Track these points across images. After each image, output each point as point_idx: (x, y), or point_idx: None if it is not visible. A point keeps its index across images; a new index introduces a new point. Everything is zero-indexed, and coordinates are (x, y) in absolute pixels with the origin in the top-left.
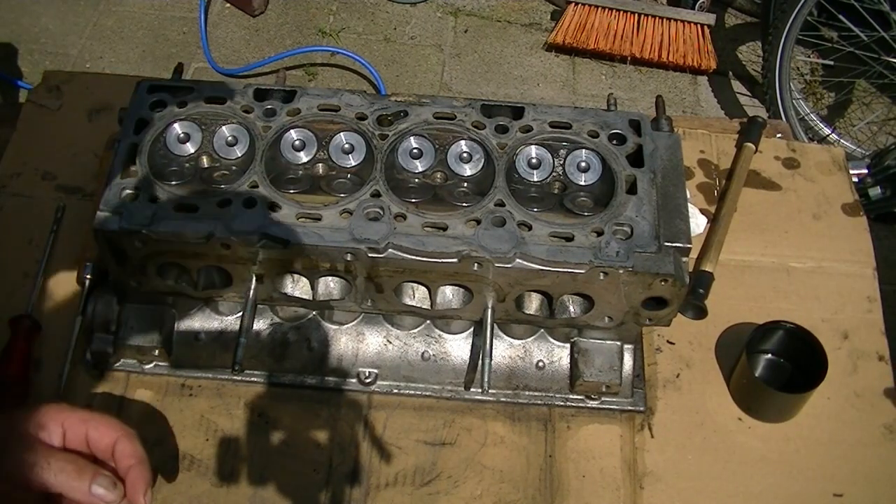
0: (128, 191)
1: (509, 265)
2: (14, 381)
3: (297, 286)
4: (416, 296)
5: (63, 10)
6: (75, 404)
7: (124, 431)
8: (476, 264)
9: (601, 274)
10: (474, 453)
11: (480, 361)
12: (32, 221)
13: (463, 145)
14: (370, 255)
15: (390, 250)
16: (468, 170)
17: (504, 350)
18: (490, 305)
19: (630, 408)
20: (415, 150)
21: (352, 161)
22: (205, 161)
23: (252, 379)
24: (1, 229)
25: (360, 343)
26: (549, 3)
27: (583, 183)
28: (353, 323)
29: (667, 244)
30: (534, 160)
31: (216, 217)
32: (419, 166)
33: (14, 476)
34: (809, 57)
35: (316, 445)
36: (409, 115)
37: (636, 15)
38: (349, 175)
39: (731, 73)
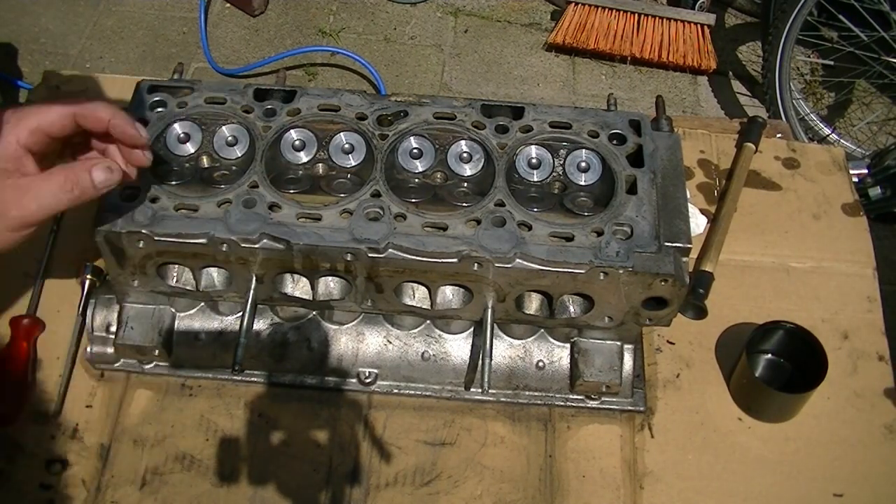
0: (128, 191)
1: (509, 265)
2: (14, 381)
3: (297, 286)
4: (416, 296)
5: (63, 10)
6: (75, 404)
7: (111, 111)
8: (476, 264)
9: (601, 274)
10: (474, 453)
11: (480, 361)
12: None
13: (463, 145)
14: (370, 255)
15: (390, 250)
16: (468, 170)
17: (504, 350)
18: (490, 305)
19: (630, 408)
20: (415, 150)
21: (352, 161)
22: (205, 161)
23: (252, 379)
24: None
25: (360, 343)
26: (549, 3)
27: (583, 183)
28: (353, 323)
29: (667, 244)
30: (534, 160)
31: (216, 217)
32: (419, 166)
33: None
34: (809, 57)
35: (316, 445)
36: (409, 115)
37: (636, 15)
38: (349, 175)
39: (731, 73)
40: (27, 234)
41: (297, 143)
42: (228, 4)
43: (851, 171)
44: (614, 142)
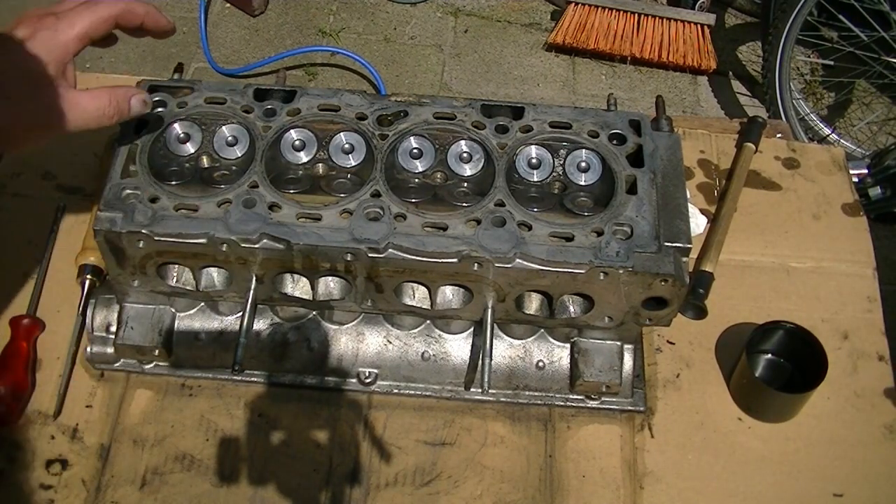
0: (128, 191)
1: (509, 265)
2: (14, 381)
3: (297, 286)
4: (416, 296)
5: None
6: (75, 404)
7: (145, 8)
8: (476, 264)
9: (601, 274)
10: (474, 453)
11: (480, 361)
12: (32, 221)
13: (463, 145)
14: (370, 255)
15: (390, 250)
16: (468, 170)
17: (504, 350)
18: (490, 305)
19: (630, 408)
20: (415, 150)
21: (352, 161)
22: (205, 161)
23: (252, 379)
24: (1, 229)
25: (360, 343)
26: (549, 3)
27: (583, 183)
28: (353, 323)
29: (667, 244)
30: (534, 160)
31: (216, 217)
32: (419, 166)
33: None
34: (809, 57)
35: (316, 445)
36: (409, 115)
37: (636, 15)
38: (349, 175)
39: (731, 73)
40: (53, 136)
41: (297, 143)
42: (228, 4)
43: (851, 171)
44: (614, 142)
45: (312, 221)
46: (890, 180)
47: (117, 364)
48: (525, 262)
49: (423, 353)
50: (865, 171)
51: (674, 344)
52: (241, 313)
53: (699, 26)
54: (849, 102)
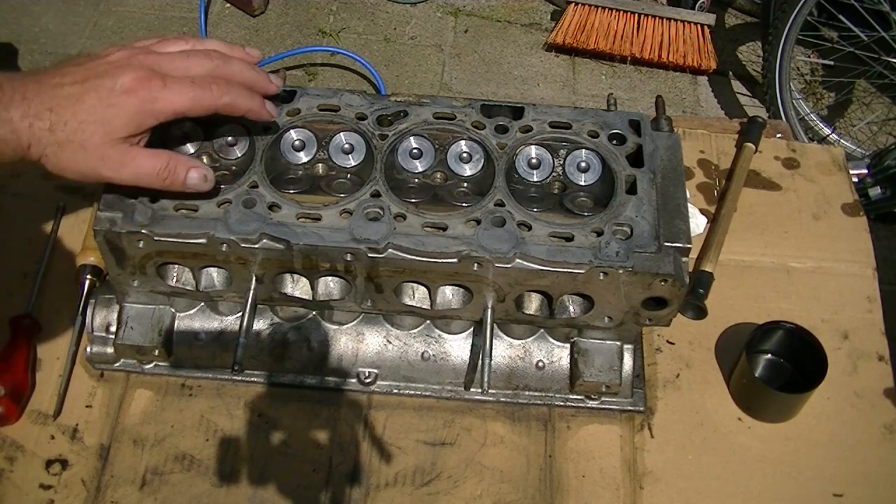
0: (128, 191)
1: (509, 265)
2: (14, 381)
3: (297, 286)
4: (416, 296)
5: (63, 10)
6: (75, 404)
7: (248, 103)
8: (476, 264)
9: (601, 274)
10: (474, 453)
11: (480, 361)
12: (32, 221)
13: (463, 145)
14: (370, 255)
15: (390, 250)
16: (468, 170)
17: (504, 350)
18: (490, 305)
19: (630, 408)
20: (415, 150)
21: (352, 161)
22: (205, 161)
23: (252, 379)
24: (1, 229)
25: (360, 343)
26: (549, 3)
27: (583, 183)
28: (353, 323)
29: (667, 244)
30: (534, 160)
31: (216, 217)
32: (419, 166)
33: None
34: (809, 57)
35: (316, 445)
36: (409, 115)
37: (636, 15)
38: (349, 175)
39: (731, 73)
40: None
41: (296, 143)
42: (228, 4)
43: (851, 171)
44: (614, 142)
45: (312, 221)
46: (890, 180)
47: (117, 364)
48: (525, 262)
49: (423, 353)
50: (865, 171)
51: (674, 344)
52: (241, 313)
53: (699, 26)
54: (849, 102)
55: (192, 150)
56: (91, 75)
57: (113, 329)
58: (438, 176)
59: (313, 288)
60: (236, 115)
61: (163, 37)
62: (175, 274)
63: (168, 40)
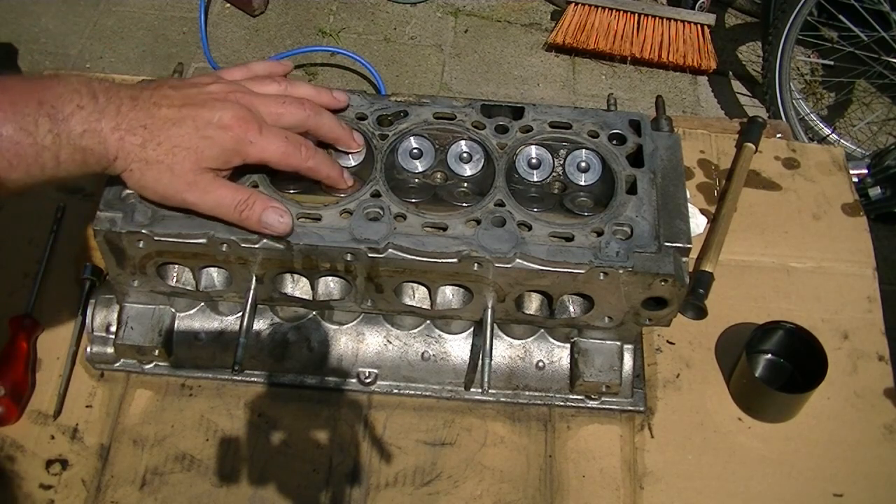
0: (128, 191)
1: (509, 265)
2: (14, 381)
3: (297, 286)
4: (416, 296)
5: (63, 10)
6: (75, 404)
7: (328, 171)
8: (476, 264)
9: (601, 274)
10: (474, 453)
11: (480, 361)
12: (32, 221)
13: (463, 145)
14: (370, 255)
15: (390, 250)
16: (468, 170)
17: (504, 350)
18: (490, 305)
19: (630, 408)
20: (415, 150)
21: (352, 161)
22: None
23: (252, 379)
24: (1, 229)
25: (360, 343)
26: (549, 3)
27: (583, 183)
28: (353, 323)
29: (667, 244)
30: (534, 160)
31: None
32: (419, 166)
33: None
34: (809, 57)
35: (316, 445)
36: (409, 115)
37: (636, 15)
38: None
39: (731, 73)
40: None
41: None
42: (228, 4)
43: (851, 171)
44: (614, 142)
45: (312, 221)
46: (890, 180)
47: (117, 364)
48: (525, 262)
49: (423, 353)
50: (865, 171)
51: (674, 344)
52: (241, 313)
53: (699, 26)
54: (849, 102)
55: None
56: (189, 102)
57: (113, 329)
58: (438, 176)
59: (313, 288)
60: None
61: (251, 68)
62: (175, 274)
63: (261, 80)
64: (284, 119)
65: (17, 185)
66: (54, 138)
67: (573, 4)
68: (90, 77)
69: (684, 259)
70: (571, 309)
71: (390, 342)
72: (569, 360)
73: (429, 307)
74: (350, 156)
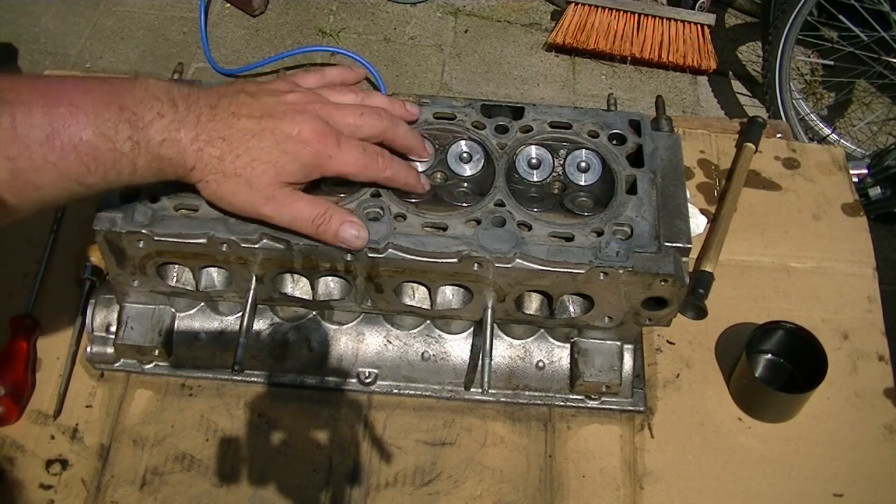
0: (128, 191)
1: (509, 265)
2: (14, 381)
3: (297, 286)
4: (416, 296)
5: (63, 10)
6: (75, 404)
7: (408, 179)
8: (476, 264)
9: (601, 274)
10: (474, 453)
11: (480, 361)
12: (32, 221)
13: (463, 145)
14: (370, 255)
15: (390, 250)
16: (468, 170)
17: (504, 350)
18: (490, 305)
19: (630, 408)
20: None
21: None
22: None
23: (252, 379)
24: (1, 229)
25: (360, 343)
26: (549, 3)
27: (583, 183)
28: (353, 323)
29: (667, 244)
30: (534, 160)
31: (216, 217)
32: (419, 166)
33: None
34: (809, 57)
35: (316, 445)
36: None
37: (636, 15)
38: None
39: (731, 73)
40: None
41: None
42: (228, 4)
43: (851, 171)
44: (614, 142)
45: None
46: (890, 180)
47: (117, 364)
48: (525, 262)
49: (423, 353)
50: (865, 171)
51: (674, 344)
52: (241, 313)
53: (699, 26)
54: (849, 102)
55: None
56: (268, 114)
57: (113, 329)
58: (438, 176)
59: (313, 288)
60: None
61: (325, 74)
62: (175, 274)
63: (337, 88)
64: (362, 131)
65: (93, 189)
66: (133, 145)
67: (573, 4)
68: (169, 82)
69: (684, 259)
70: (571, 309)
71: (390, 342)
72: (569, 360)
73: (429, 307)
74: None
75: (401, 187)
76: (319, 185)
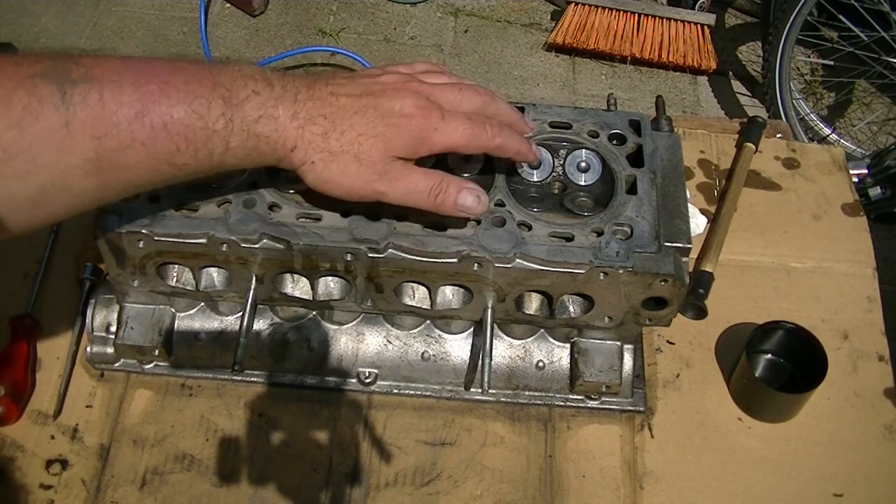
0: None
1: (509, 265)
2: (14, 381)
3: (297, 286)
4: (416, 296)
5: (63, 10)
6: (75, 404)
7: (520, 147)
8: (476, 264)
9: (601, 274)
10: (474, 453)
11: (480, 361)
12: None
13: None
14: (370, 255)
15: (390, 250)
16: (468, 170)
17: (504, 350)
18: (490, 305)
19: (630, 408)
20: None
21: None
22: None
23: (252, 379)
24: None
25: (360, 343)
26: (549, 3)
27: (583, 183)
28: (353, 323)
29: (667, 244)
30: None
31: (216, 217)
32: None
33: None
34: (809, 57)
35: (316, 445)
36: None
37: (636, 15)
38: None
39: (731, 73)
40: (373, 199)
41: None
42: (228, 4)
43: (851, 171)
44: (614, 142)
45: (312, 221)
46: (890, 180)
47: (117, 364)
48: (525, 262)
49: (423, 353)
50: (865, 171)
51: (674, 344)
52: (241, 313)
53: (699, 26)
54: (849, 102)
55: None
56: (367, 92)
57: (113, 329)
58: None
59: (313, 288)
60: (503, 157)
61: (414, 67)
62: (175, 274)
63: (430, 72)
64: (463, 105)
65: (182, 172)
66: (227, 122)
67: (573, 4)
68: (262, 67)
69: (684, 259)
70: (571, 309)
71: (390, 342)
72: (569, 360)
73: (429, 307)
74: None
75: (512, 156)
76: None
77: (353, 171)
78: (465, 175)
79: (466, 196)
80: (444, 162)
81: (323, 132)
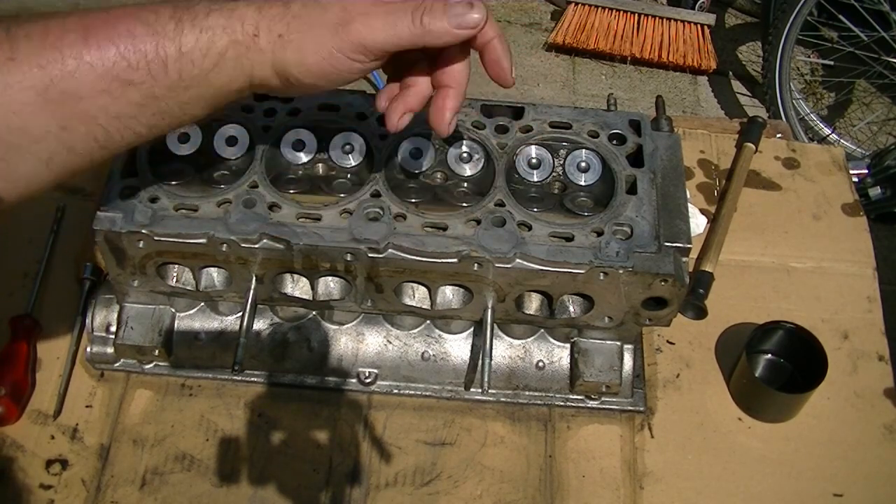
0: (128, 191)
1: (509, 265)
2: (14, 381)
3: (297, 286)
4: (416, 296)
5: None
6: (75, 404)
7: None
8: (476, 264)
9: (601, 274)
10: (474, 453)
11: (480, 361)
12: (32, 221)
13: (463, 145)
14: (370, 255)
15: (390, 250)
16: (468, 170)
17: (504, 350)
18: (490, 305)
19: (630, 408)
20: (415, 150)
21: (352, 161)
22: (204, 161)
23: (252, 379)
24: (1, 229)
25: (360, 343)
26: (549, 3)
27: (583, 183)
28: (353, 323)
29: (667, 244)
30: (534, 160)
31: (216, 217)
32: (419, 166)
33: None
34: (809, 57)
35: (316, 445)
36: None
37: (636, 15)
38: (349, 175)
39: (731, 73)
40: (362, 67)
41: (296, 143)
42: None
43: (851, 171)
44: (614, 142)
45: (312, 221)
46: (890, 180)
47: (117, 364)
48: (525, 262)
49: (423, 353)
50: (865, 171)
51: (674, 344)
52: (241, 313)
53: (699, 26)
54: (849, 102)
55: (190, 150)
56: None
57: (113, 329)
58: (438, 176)
59: (313, 288)
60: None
61: None
62: (175, 274)
63: None
64: None
65: (140, 91)
66: (176, 24)
67: (573, 4)
68: None
69: (684, 259)
70: (571, 309)
71: (390, 342)
72: (569, 360)
73: (429, 307)
74: (350, 156)
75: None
76: (319, 186)
77: (328, 33)
78: (465, 175)
79: (456, 7)
80: (445, 162)
81: (283, 3)
